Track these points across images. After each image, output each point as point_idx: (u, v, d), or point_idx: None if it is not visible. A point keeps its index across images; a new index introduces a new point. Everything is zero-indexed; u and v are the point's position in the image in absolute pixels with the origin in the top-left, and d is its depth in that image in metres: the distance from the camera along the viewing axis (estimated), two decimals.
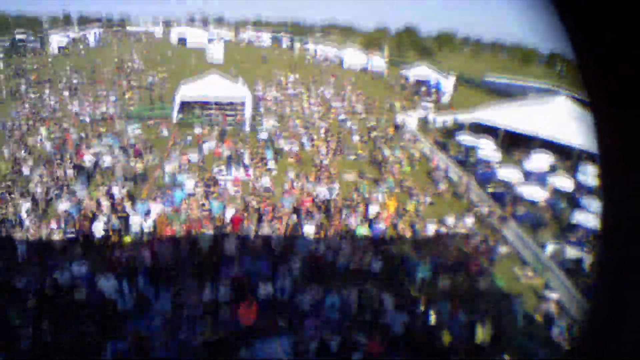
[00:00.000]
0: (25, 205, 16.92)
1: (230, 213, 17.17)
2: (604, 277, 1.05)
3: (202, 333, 10.79)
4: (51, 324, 10.52)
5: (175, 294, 12.20)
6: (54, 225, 15.65)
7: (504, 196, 21.54)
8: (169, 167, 22.16)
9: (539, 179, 23.36)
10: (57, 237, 14.93)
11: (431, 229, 17.96)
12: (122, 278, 12.39)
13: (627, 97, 0.84)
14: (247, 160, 23.95)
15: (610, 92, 0.87)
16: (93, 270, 12.91)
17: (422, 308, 12.49)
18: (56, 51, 65.87)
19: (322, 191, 20.63)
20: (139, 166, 22.21)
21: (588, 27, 0.83)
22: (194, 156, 23.95)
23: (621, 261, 0.98)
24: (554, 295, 14.00)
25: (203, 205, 17.85)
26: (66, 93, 38.78)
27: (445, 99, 45.57)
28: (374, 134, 30.80)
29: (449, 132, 32.66)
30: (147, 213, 16.76)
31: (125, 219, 16.45)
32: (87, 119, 31.03)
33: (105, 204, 17.32)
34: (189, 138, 27.53)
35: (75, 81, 44.23)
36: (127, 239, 15.70)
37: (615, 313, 0.99)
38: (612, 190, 0.98)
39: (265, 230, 16.10)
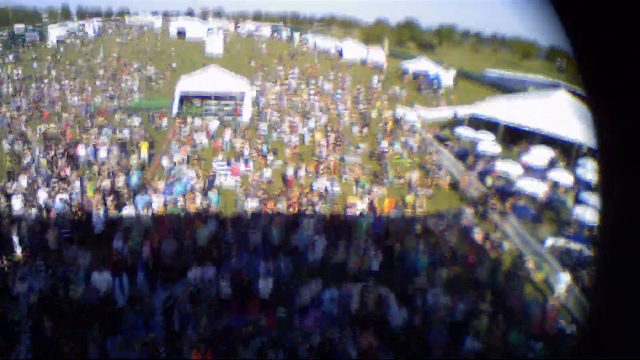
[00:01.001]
0: (18, 199, 16.91)
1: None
2: (603, 276, 1.04)
3: (196, 330, 10.74)
4: (51, 322, 10.44)
5: (170, 292, 12.09)
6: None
7: (504, 190, 21.55)
8: (168, 160, 22.16)
9: (539, 173, 23.39)
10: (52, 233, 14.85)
11: (431, 222, 17.98)
12: (120, 274, 12.37)
13: (626, 93, 0.83)
14: (246, 153, 24.01)
15: (609, 89, 0.87)
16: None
17: (420, 301, 12.49)
18: (55, 44, 65.69)
19: (322, 183, 20.81)
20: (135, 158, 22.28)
21: (587, 25, 0.82)
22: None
23: (620, 259, 0.97)
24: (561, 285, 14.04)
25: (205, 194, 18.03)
26: (65, 85, 38.67)
27: (447, 91, 45.56)
28: (373, 126, 30.81)
29: (449, 126, 32.67)
30: (148, 205, 16.78)
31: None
32: (86, 111, 30.97)
33: (109, 197, 17.32)
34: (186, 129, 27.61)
35: (74, 74, 44.14)
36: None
37: (614, 313, 0.98)
38: (611, 186, 0.97)
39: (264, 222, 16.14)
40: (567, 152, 26.07)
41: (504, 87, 45.23)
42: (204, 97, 31.82)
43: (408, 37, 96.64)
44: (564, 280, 14.17)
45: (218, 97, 31.91)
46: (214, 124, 28.30)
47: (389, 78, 50.47)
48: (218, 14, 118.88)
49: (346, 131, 29.63)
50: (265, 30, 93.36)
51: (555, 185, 22.26)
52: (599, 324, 1.05)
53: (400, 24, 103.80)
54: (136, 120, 28.90)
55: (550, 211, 20.33)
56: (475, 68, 57.87)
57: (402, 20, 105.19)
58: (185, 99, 31.50)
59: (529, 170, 23.73)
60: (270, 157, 23.91)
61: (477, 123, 30.52)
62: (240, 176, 21.54)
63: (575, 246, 16.46)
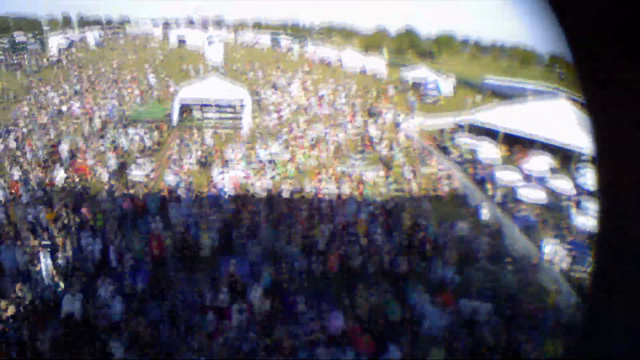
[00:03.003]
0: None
1: None
2: (602, 280, 1.04)
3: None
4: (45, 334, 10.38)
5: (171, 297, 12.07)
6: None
7: (503, 197, 21.54)
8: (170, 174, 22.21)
9: (539, 180, 23.39)
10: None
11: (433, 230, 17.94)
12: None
13: (624, 100, 0.84)
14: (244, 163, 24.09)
15: (607, 95, 0.87)
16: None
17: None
18: (56, 53, 65.84)
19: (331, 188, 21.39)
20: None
21: (586, 32, 0.83)
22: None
23: (619, 263, 0.97)
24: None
25: None
26: (66, 95, 38.71)
27: (443, 99, 45.68)
28: (373, 134, 30.84)
29: (449, 134, 32.69)
30: None
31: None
32: (87, 121, 30.98)
33: None
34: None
35: (75, 83, 44.18)
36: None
37: (612, 316, 0.98)
38: (610, 191, 0.97)
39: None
40: (567, 159, 26.09)
41: (503, 95, 45.26)
42: (204, 106, 31.90)
43: (407, 45, 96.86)
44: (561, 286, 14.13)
45: (218, 106, 31.97)
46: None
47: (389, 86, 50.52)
48: (218, 23, 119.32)
49: (346, 141, 29.57)
50: (265, 39, 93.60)
51: (555, 192, 22.27)
52: (595, 324, 1.05)
53: (400, 33, 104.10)
54: (137, 130, 28.89)
55: (550, 218, 20.30)
56: (474, 76, 57.92)
57: (401, 28, 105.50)
58: (185, 108, 31.56)
59: (529, 178, 23.73)
60: (268, 166, 23.92)
61: (477, 130, 30.56)
62: (240, 185, 21.60)
63: (574, 253, 16.44)
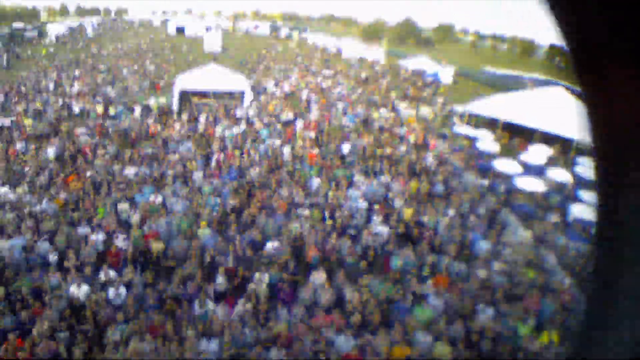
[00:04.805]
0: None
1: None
2: (599, 273, 1.05)
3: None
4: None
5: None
6: None
7: (502, 187, 21.55)
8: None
9: (537, 171, 23.38)
10: None
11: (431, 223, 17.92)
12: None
13: (621, 88, 0.84)
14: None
15: (604, 83, 0.87)
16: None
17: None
18: (54, 41, 65.52)
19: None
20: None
21: (582, 17, 0.83)
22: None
23: (617, 256, 0.97)
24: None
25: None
26: (65, 82, 38.50)
27: (445, 89, 45.51)
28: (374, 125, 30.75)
29: (447, 124, 32.63)
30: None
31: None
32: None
33: None
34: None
35: (74, 71, 43.95)
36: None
37: (610, 310, 0.99)
38: (608, 182, 0.98)
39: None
40: (566, 149, 26.10)
41: (502, 85, 45.18)
42: (203, 95, 31.81)
43: (407, 35, 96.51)
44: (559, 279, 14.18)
45: (217, 95, 31.89)
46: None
47: (388, 76, 50.38)
48: (217, 12, 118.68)
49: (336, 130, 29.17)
50: (264, 28, 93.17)
51: (553, 182, 22.27)
52: (593, 321, 1.05)
53: (399, 22, 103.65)
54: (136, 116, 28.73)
55: (547, 208, 20.32)
56: (473, 66, 57.82)
57: (401, 18, 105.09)
58: (184, 96, 31.45)
59: (528, 168, 23.72)
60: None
61: (476, 120, 30.53)
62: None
63: (572, 243, 16.47)
